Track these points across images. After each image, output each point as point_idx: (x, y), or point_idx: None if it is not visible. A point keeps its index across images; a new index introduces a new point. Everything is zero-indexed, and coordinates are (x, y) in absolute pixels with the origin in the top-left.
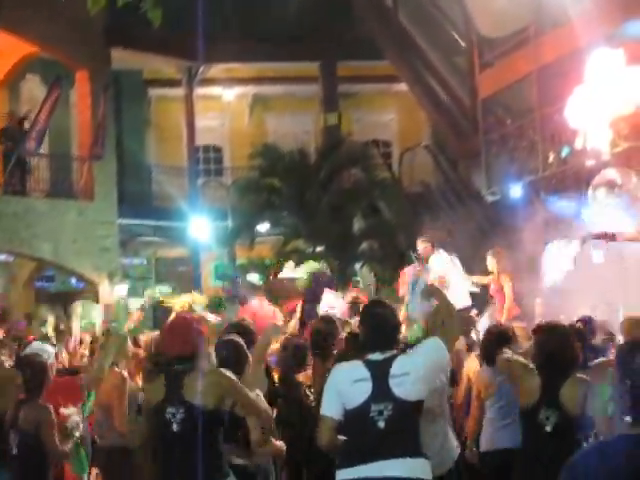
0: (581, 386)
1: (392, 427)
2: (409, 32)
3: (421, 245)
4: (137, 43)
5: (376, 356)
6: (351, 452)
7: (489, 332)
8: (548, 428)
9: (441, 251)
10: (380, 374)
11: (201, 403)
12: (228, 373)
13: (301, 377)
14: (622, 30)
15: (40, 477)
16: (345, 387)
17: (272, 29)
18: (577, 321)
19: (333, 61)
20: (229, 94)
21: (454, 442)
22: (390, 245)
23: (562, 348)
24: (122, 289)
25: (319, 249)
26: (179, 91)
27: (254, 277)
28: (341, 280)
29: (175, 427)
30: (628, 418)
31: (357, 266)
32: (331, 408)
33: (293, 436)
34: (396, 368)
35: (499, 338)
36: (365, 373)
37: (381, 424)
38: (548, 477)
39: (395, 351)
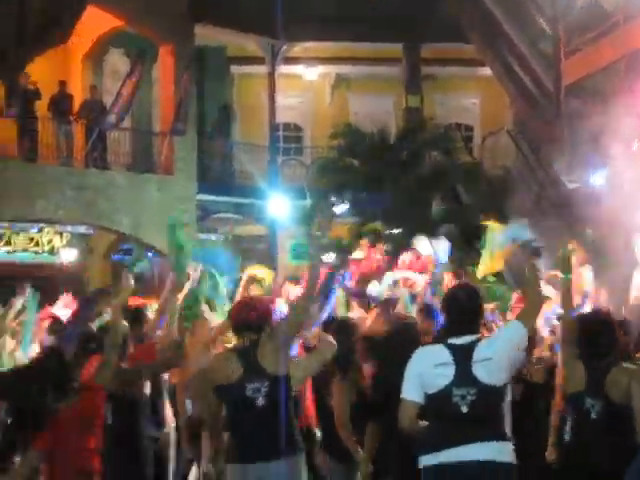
0: (625, 375)
1: (475, 412)
2: (495, 16)
3: None
4: (221, 20)
5: (459, 340)
6: (434, 437)
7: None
8: (593, 416)
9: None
10: (463, 358)
11: (281, 373)
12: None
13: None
14: None
15: None
16: (427, 371)
17: (356, 9)
18: None
19: (417, 43)
20: (311, 73)
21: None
22: (469, 229)
23: (607, 336)
24: (198, 265)
25: (396, 231)
26: (262, 69)
27: (331, 257)
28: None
29: (260, 401)
30: None
31: None
32: (412, 392)
33: None
34: (479, 353)
35: None
36: (448, 357)
37: (464, 409)
38: (592, 464)
39: (478, 335)
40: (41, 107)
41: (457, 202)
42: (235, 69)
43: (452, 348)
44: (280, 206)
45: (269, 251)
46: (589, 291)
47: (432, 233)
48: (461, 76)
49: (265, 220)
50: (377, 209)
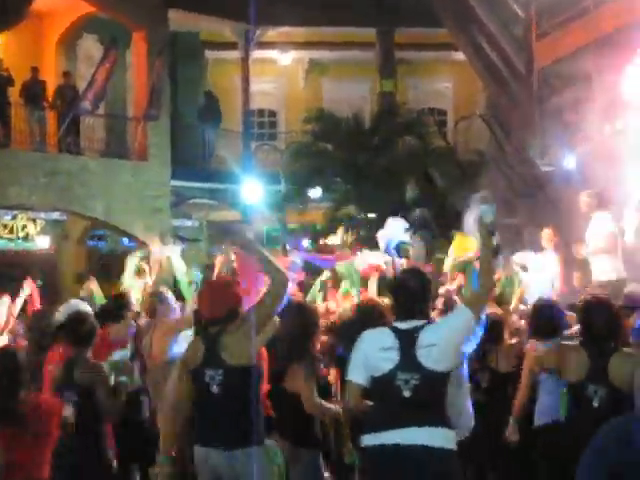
0: (629, 361)
1: (417, 396)
2: (467, 0)
3: (586, 199)
4: (195, 5)
5: (405, 325)
6: (376, 418)
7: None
8: (595, 403)
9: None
10: (407, 343)
11: (245, 363)
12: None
13: None
14: None
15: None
16: (372, 354)
17: None
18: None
19: (390, 27)
20: (285, 58)
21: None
22: (442, 213)
23: (608, 322)
24: (174, 250)
25: (370, 216)
26: (235, 54)
27: (305, 242)
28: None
29: (215, 389)
30: None
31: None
32: (358, 374)
33: None
34: (424, 338)
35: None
36: (393, 341)
37: (407, 393)
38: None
39: (424, 321)
40: (14, 93)
41: (431, 186)
42: (209, 54)
43: (398, 332)
44: (254, 191)
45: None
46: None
47: (405, 217)
48: (434, 60)
49: (239, 205)
50: (352, 194)
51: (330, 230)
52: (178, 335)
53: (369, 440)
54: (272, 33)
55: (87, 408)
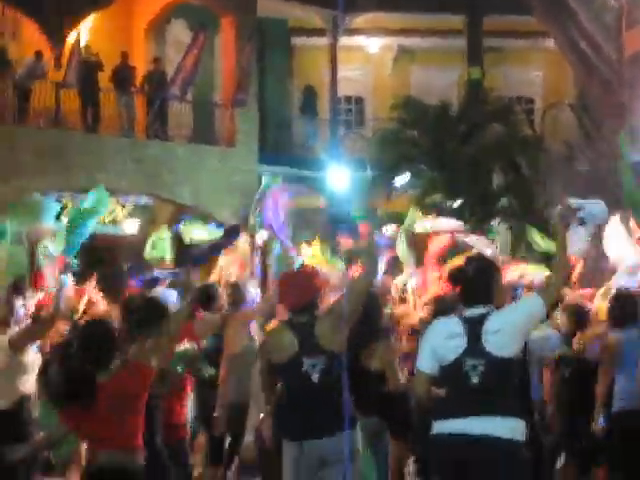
0: None
1: (485, 384)
2: None
3: None
4: None
5: (472, 312)
6: (446, 405)
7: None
8: None
9: None
10: (474, 330)
11: (338, 350)
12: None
13: None
14: None
15: None
16: (440, 342)
17: None
18: None
19: (479, 14)
20: (373, 45)
21: None
22: (529, 203)
23: None
24: (261, 236)
25: (457, 203)
26: (323, 41)
27: (391, 228)
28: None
29: (316, 377)
30: None
31: (494, 222)
32: (426, 363)
33: None
34: (490, 324)
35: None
36: (460, 329)
37: (475, 379)
38: None
39: (490, 306)
40: (103, 78)
41: (517, 175)
42: (296, 41)
43: (465, 320)
44: (341, 178)
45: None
46: None
47: (493, 205)
48: (523, 48)
49: (326, 192)
50: (439, 181)
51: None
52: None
53: (438, 428)
54: (360, 20)
55: None
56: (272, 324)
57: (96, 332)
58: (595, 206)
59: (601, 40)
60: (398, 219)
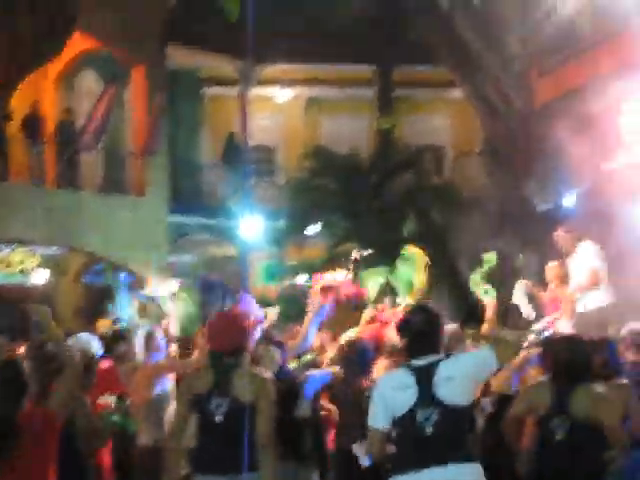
0: (591, 395)
1: (440, 432)
2: (465, 37)
3: (563, 235)
4: (194, 42)
5: (420, 361)
6: (402, 459)
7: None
8: (559, 437)
9: (588, 242)
10: (424, 379)
11: (245, 398)
12: (265, 373)
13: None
14: None
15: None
16: (391, 395)
17: (328, 31)
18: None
19: (388, 65)
20: (284, 95)
21: None
22: (441, 250)
23: (575, 358)
24: (172, 286)
25: (366, 253)
26: (234, 90)
27: (303, 278)
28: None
29: (218, 418)
30: None
31: None
32: (379, 419)
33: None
34: (441, 372)
35: None
36: (409, 379)
37: (429, 430)
38: None
39: (440, 355)
40: (12, 127)
41: (428, 222)
42: (208, 91)
43: (414, 369)
44: (252, 227)
45: (240, 272)
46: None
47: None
48: (433, 98)
49: (237, 241)
50: (351, 231)
51: (330, 266)
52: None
53: None
54: (270, 70)
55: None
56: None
57: (7, 373)
58: None
59: (509, 89)
60: (310, 268)
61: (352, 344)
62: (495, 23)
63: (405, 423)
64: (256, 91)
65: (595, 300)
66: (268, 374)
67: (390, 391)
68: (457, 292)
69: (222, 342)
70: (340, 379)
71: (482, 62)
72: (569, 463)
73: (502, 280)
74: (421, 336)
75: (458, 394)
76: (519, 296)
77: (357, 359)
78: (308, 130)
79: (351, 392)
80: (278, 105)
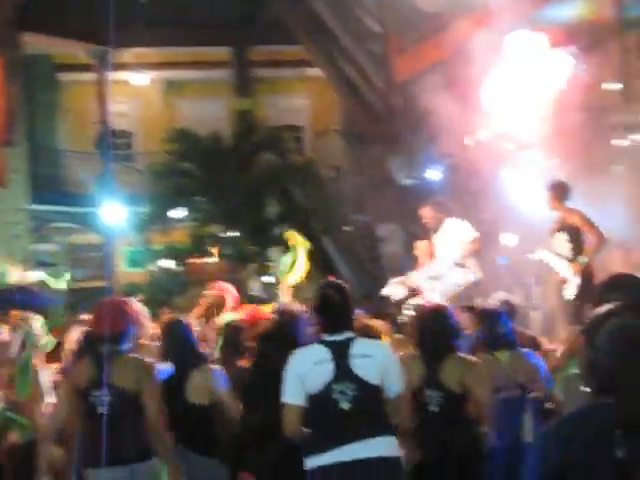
0: (460, 365)
1: (356, 408)
2: (322, 16)
3: (429, 212)
4: (48, 28)
5: (335, 337)
6: (319, 438)
7: None
8: (433, 408)
9: (453, 219)
10: (341, 354)
11: (127, 387)
12: (148, 359)
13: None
14: (543, 14)
15: None
16: (306, 370)
17: (184, 13)
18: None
19: (245, 46)
20: (141, 79)
21: None
22: (304, 229)
23: (442, 329)
24: (36, 276)
25: (234, 234)
26: (91, 76)
27: (169, 263)
28: (259, 264)
29: (101, 409)
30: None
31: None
32: (294, 395)
33: None
34: (357, 349)
35: None
36: (326, 354)
37: (345, 405)
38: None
39: (353, 333)
40: None
41: (291, 203)
42: (64, 77)
43: (329, 345)
44: (115, 213)
45: (105, 259)
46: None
47: (268, 235)
48: (290, 77)
49: (101, 228)
50: (215, 212)
51: (195, 250)
52: None
53: (314, 462)
54: (127, 54)
55: None
56: None
57: None
58: None
59: (368, 68)
60: (175, 253)
61: (229, 326)
62: (351, 2)
63: (321, 398)
64: (113, 76)
65: (463, 276)
66: (151, 360)
67: (305, 366)
68: (323, 271)
69: (103, 327)
70: (219, 361)
71: (340, 41)
72: (445, 434)
73: (370, 249)
74: (336, 312)
75: (373, 372)
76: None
77: (234, 340)
78: (167, 114)
79: (230, 373)
80: (136, 89)
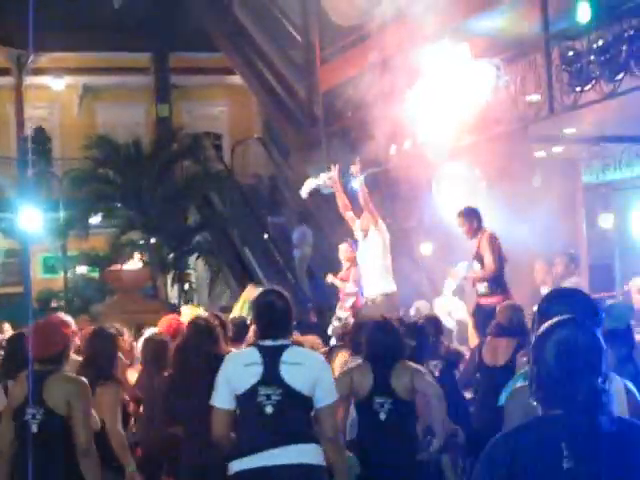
0: (409, 372)
1: (280, 413)
2: (243, 24)
3: (353, 219)
4: None
5: (269, 342)
6: (242, 441)
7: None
8: (383, 416)
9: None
10: (271, 359)
11: (58, 407)
12: (80, 379)
13: None
14: (466, 25)
15: None
16: (236, 371)
17: (103, 18)
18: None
19: (165, 52)
20: (59, 84)
21: None
22: (223, 238)
23: (391, 339)
24: None
25: (154, 241)
26: (8, 80)
27: (84, 269)
28: (177, 272)
29: (34, 428)
30: (534, 401)
31: (192, 259)
32: (222, 398)
33: None
34: (288, 356)
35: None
36: (257, 357)
37: (269, 409)
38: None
39: (289, 340)
40: None
41: (211, 210)
42: None
43: (262, 349)
44: (32, 219)
45: (21, 265)
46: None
47: (189, 242)
48: (209, 85)
49: (17, 234)
50: (135, 219)
51: (114, 256)
52: None
53: (236, 466)
54: (45, 59)
55: None
56: None
57: None
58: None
59: (289, 76)
60: (94, 259)
61: (152, 340)
62: (274, 11)
63: (247, 401)
64: (31, 80)
65: (383, 287)
66: (83, 379)
67: (235, 368)
68: (243, 280)
69: (37, 350)
70: (143, 374)
71: (261, 49)
72: (394, 442)
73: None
74: (273, 318)
75: (301, 380)
76: None
77: (158, 353)
78: (85, 119)
79: (157, 385)
80: (54, 94)
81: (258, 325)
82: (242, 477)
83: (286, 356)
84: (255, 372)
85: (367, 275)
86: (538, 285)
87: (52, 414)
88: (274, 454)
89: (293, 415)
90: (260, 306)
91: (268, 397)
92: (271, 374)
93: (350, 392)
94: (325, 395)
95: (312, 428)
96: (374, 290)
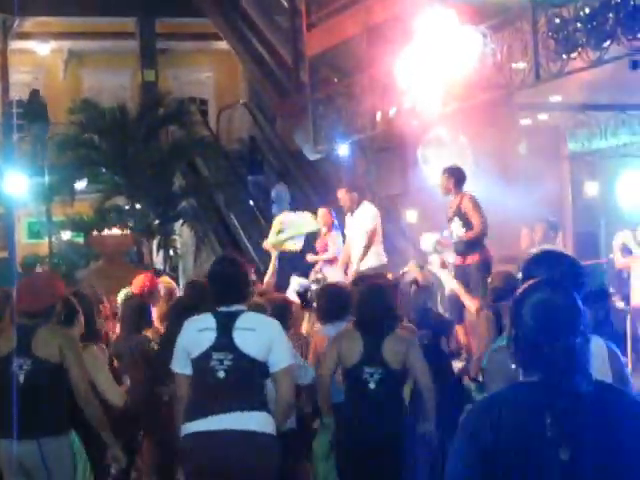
0: (401, 342)
1: (232, 378)
2: None
3: (345, 195)
4: None
5: (225, 308)
6: (194, 405)
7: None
8: (372, 386)
9: (366, 203)
10: (225, 324)
11: (52, 355)
12: (71, 332)
13: None
14: None
15: None
16: (191, 336)
17: None
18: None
19: (151, 17)
20: (44, 48)
21: None
22: (209, 203)
23: (384, 305)
24: None
25: (139, 206)
26: None
27: (69, 235)
28: (162, 238)
29: (21, 378)
30: (514, 367)
31: (177, 225)
32: (180, 363)
33: None
34: (242, 321)
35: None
36: (211, 322)
37: (221, 374)
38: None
39: (245, 307)
40: None
41: (197, 176)
42: None
43: (217, 314)
44: (17, 184)
45: (6, 230)
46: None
47: (174, 208)
48: (195, 50)
49: (1, 198)
50: (120, 185)
51: (98, 222)
52: None
53: (186, 429)
54: (29, 23)
55: None
56: None
57: None
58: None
59: (276, 43)
60: (79, 224)
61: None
62: None
63: (200, 365)
64: (16, 45)
65: (367, 261)
66: (73, 332)
67: (190, 334)
68: (227, 245)
69: (25, 303)
70: (120, 337)
71: (248, 15)
72: (382, 411)
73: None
74: (228, 284)
75: (255, 346)
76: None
77: (135, 314)
78: (70, 84)
79: (133, 347)
80: (38, 59)
81: (212, 292)
82: (190, 439)
83: (240, 322)
84: (209, 337)
85: (355, 250)
86: (523, 251)
87: (41, 364)
88: (222, 419)
89: (245, 381)
90: (213, 274)
91: (220, 362)
92: (224, 339)
93: (337, 366)
94: (279, 359)
95: (263, 395)
96: (363, 265)
